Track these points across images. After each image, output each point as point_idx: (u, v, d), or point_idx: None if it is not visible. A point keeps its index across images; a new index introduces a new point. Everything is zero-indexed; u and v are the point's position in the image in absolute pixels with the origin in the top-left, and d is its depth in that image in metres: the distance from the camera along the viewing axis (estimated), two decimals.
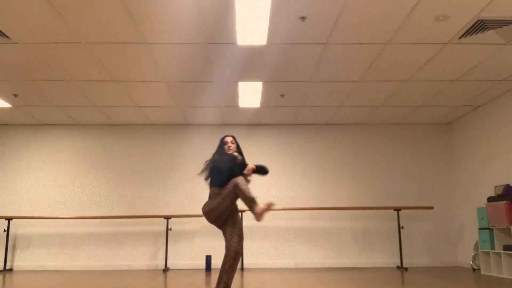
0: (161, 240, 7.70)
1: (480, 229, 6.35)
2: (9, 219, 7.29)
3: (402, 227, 7.38)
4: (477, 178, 7.13)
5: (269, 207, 3.44)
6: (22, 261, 7.60)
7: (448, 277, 5.75)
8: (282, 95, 6.57)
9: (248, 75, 5.80)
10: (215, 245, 7.69)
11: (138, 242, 7.70)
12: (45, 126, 8.14)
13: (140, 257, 7.65)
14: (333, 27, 4.47)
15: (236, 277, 6.00)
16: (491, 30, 4.51)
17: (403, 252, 7.63)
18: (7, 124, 8.12)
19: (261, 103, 6.92)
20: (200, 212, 7.77)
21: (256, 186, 7.92)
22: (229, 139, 4.01)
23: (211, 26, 4.43)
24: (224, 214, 3.64)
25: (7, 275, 6.61)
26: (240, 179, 3.52)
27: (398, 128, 8.20)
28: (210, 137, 8.14)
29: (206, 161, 3.97)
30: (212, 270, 7.29)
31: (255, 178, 8.31)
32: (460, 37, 4.68)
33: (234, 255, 3.52)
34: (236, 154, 3.89)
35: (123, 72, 5.64)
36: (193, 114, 7.52)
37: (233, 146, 3.97)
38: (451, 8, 4.08)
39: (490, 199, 6.16)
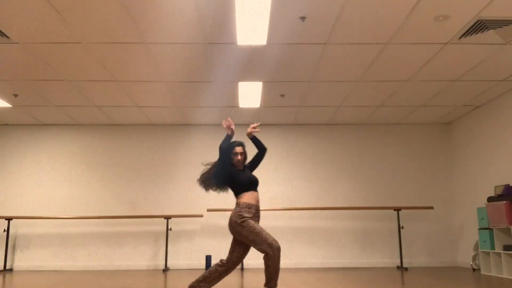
0: (161, 240, 7.70)
1: (480, 229, 6.35)
2: (9, 219, 7.29)
3: (402, 227, 7.37)
4: (477, 178, 7.13)
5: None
6: (22, 261, 7.60)
7: (448, 277, 5.75)
8: (282, 95, 6.57)
9: (248, 75, 5.80)
10: (215, 245, 7.69)
11: (138, 242, 7.70)
12: (45, 126, 8.14)
13: (140, 257, 7.65)
14: (333, 27, 4.47)
15: (236, 277, 6.00)
16: (491, 30, 4.52)
17: (403, 252, 7.63)
18: (7, 124, 8.12)
19: (261, 103, 6.92)
20: (200, 212, 7.79)
21: None
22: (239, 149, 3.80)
23: (211, 26, 4.43)
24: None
25: (7, 275, 6.61)
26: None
27: (398, 128, 8.20)
28: (210, 137, 8.15)
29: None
30: None
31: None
32: (460, 37, 4.69)
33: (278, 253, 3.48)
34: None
35: (123, 72, 5.65)
36: (193, 114, 7.52)
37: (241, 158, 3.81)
38: (451, 8, 4.08)
39: (490, 199, 6.16)
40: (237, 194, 3.70)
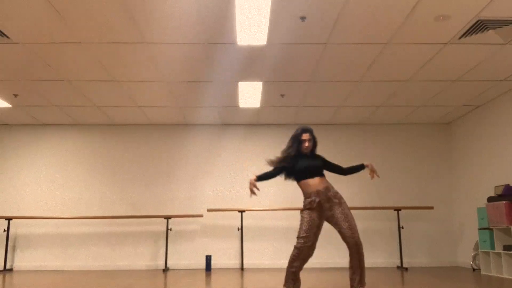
0: (161, 240, 7.69)
1: (480, 229, 6.35)
2: (9, 219, 7.29)
3: (402, 227, 7.37)
4: (477, 178, 7.13)
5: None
6: (22, 261, 7.60)
7: (448, 277, 5.75)
8: (282, 95, 6.57)
9: (248, 75, 5.80)
10: (215, 245, 7.69)
11: (138, 242, 7.70)
12: (45, 126, 8.14)
13: (140, 257, 7.65)
14: (333, 27, 4.47)
15: (236, 277, 6.00)
16: (491, 30, 4.51)
17: (403, 252, 7.63)
18: (7, 124, 8.12)
19: (261, 103, 6.92)
20: (200, 212, 7.78)
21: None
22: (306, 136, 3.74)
23: (211, 26, 4.43)
24: None
25: (7, 275, 6.61)
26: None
27: (398, 128, 8.20)
28: (210, 137, 8.15)
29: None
30: (212, 270, 7.29)
31: (251, 176, 8.28)
32: (460, 37, 4.68)
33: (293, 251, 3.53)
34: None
35: (123, 72, 5.64)
36: (193, 114, 7.52)
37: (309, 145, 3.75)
38: (451, 8, 4.08)
39: (490, 199, 6.15)
40: (297, 182, 3.70)
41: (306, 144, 3.74)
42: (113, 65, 5.40)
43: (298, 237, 3.53)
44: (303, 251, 3.48)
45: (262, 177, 3.76)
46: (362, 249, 3.50)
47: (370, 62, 5.36)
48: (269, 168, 3.82)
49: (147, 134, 8.13)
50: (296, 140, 3.76)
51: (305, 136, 3.74)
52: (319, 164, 3.75)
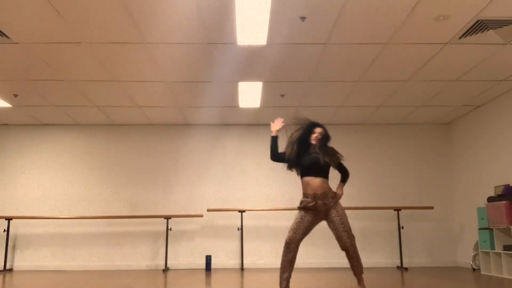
0: (161, 240, 7.70)
1: (480, 229, 6.35)
2: (9, 219, 7.29)
3: (402, 227, 7.37)
4: (477, 178, 7.13)
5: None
6: (22, 261, 7.60)
7: (448, 277, 5.75)
8: (282, 95, 6.57)
9: (248, 75, 5.80)
10: (215, 245, 7.69)
11: (138, 242, 7.70)
12: (45, 126, 8.14)
13: (140, 257, 7.65)
14: (333, 27, 4.47)
15: (236, 277, 6.00)
16: (491, 30, 4.52)
17: (403, 252, 7.63)
18: (7, 124, 8.12)
19: (261, 103, 6.92)
20: (200, 212, 7.79)
21: (254, 185, 7.92)
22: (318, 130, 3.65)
23: (211, 26, 4.43)
24: None
25: (7, 275, 6.61)
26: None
27: (398, 128, 8.20)
28: (210, 137, 8.15)
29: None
30: (212, 270, 7.29)
31: (251, 176, 8.25)
32: (460, 37, 4.68)
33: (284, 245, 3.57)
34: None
35: (123, 72, 5.64)
36: (193, 114, 7.52)
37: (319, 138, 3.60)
38: (451, 8, 4.08)
39: (490, 199, 6.16)
40: (300, 177, 3.61)
41: (315, 135, 3.61)
42: (113, 65, 5.40)
43: (287, 235, 3.61)
44: (292, 243, 3.52)
45: (274, 142, 3.75)
46: (356, 246, 3.62)
47: (370, 62, 5.36)
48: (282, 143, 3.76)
49: (147, 134, 8.13)
50: (307, 129, 3.63)
51: (318, 130, 3.67)
52: (326, 162, 3.57)
